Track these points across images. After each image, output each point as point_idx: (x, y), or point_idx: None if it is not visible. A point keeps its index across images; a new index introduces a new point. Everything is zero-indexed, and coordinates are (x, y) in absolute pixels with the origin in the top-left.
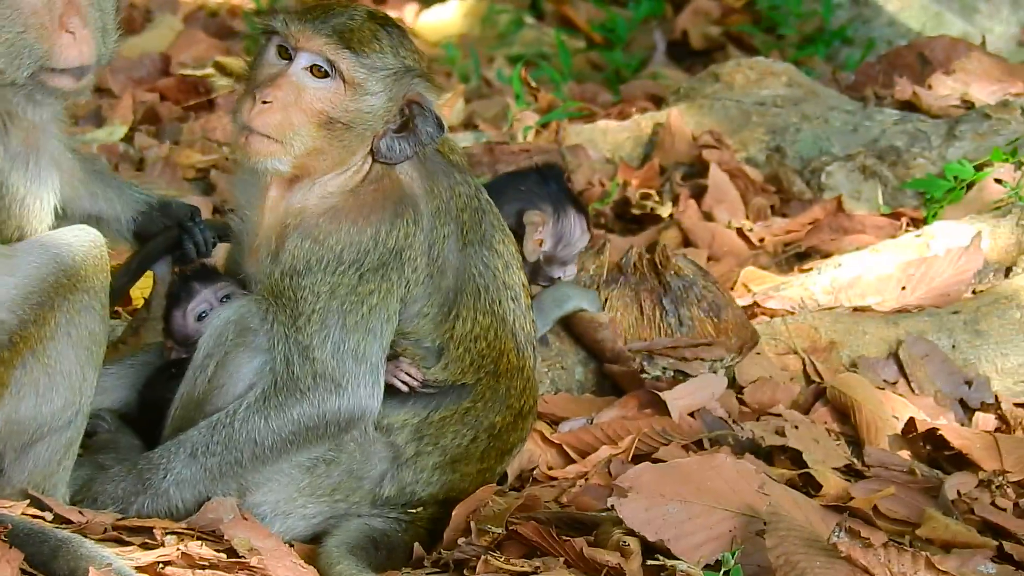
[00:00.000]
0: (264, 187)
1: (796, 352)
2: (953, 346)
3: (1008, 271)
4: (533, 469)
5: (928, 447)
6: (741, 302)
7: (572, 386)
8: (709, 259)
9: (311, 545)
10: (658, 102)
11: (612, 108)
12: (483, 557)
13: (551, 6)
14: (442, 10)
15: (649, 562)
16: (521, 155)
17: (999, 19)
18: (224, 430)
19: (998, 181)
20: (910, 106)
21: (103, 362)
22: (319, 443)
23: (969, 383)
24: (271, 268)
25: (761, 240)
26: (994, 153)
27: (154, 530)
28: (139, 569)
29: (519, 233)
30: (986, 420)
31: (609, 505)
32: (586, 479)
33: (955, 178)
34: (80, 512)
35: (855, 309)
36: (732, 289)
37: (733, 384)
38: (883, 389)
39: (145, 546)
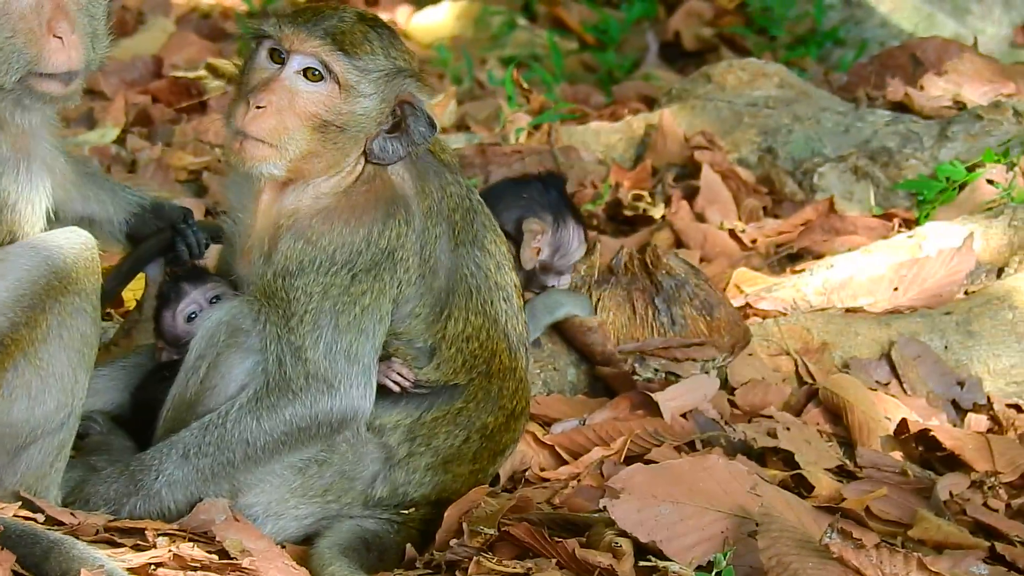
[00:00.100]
0: (257, 190)
1: (788, 353)
2: (945, 347)
3: (1000, 272)
4: (525, 470)
5: (920, 448)
6: (733, 303)
7: (564, 387)
8: (701, 260)
9: (303, 546)
10: (650, 103)
11: (604, 109)
12: (475, 558)
13: (544, 8)
14: (434, 12)
15: (641, 563)
16: (513, 156)
17: (991, 20)
18: (216, 431)
19: (990, 182)
20: (902, 107)
21: (95, 364)
22: (311, 444)
23: (961, 384)
24: (264, 269)
25: (753, 241)
26: (986, 154)
27: (146, 531)
28: (131, 571)
29: (517, 240)
30: (978, 421)
31: (601, 506)
32: (578, 480)
33: (947, 179)
34: (72, 514)
35: (847, 310)
36: (724, 290)
37: (725, 385)
38: (875, 390)
39: (137, 548)
